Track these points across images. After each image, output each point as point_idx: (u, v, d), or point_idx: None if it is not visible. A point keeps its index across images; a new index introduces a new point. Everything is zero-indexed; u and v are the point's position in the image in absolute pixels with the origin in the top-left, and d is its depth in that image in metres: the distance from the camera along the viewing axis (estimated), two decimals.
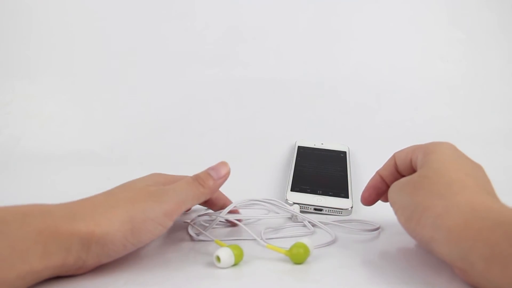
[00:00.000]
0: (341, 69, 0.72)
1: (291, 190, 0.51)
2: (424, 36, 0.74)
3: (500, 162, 0.60)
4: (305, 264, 0.36)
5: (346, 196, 0.51)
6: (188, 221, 0.43)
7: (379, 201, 0.44)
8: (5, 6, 0.70)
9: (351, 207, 0.49)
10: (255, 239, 0.39)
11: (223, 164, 0.38)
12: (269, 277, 0.34)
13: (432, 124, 0.69)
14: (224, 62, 0.72)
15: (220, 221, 0.44)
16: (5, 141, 0.65)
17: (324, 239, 0.41)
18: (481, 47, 0.73)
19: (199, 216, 0.44)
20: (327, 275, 0.35)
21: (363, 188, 0.44)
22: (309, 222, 0.44)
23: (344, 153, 0.61)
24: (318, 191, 0.51)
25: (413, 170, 0.38)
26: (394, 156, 0.41)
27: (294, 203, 0.48)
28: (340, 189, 0.52)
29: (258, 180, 0.57)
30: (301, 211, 0.47)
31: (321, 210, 0.49)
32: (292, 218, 0.46)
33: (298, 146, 0.62)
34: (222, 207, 0.44)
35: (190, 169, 0.39)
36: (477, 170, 0.36)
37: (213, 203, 0.44)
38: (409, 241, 0.39)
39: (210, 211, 0.45)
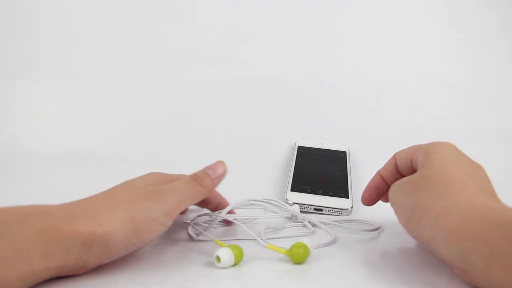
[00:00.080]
0: (341, 69, 0.72)
1: (291, 190, 0.51)
2: (424, 36, 0.74)
3: (500, 162, 0.60)
4: (305, 264, 0.36)
5: (346, 196, 0.51)
6: (188, 221, 0.43)
7: (379, 201, 0.44)
8: (5, 6, 0.70)
9: (351, 207, 0.49)
10: (255, 239, 0.39)
11: (220, 163, 0.38)
12: (269, 277, 0.34)
13: (432, 124, 0.69)
14: (224, 62, 0.72)
15: (220, 221, 0.44)
16: (5, 141, 0.65)
17: (324, 239, 0.41)
18: (481, 47, 0.73)
19: (199, 216, 0.44)
20: (327, 275, 0.35)
21: (363, 188, 0.44)
22: (309, 222, 0.44)
23: (344, 153, 0.61)
24: (318, 191, 0.51)
25: (413, 170, 0.38)
26: (394, 156, 0.41)
27: (294, 203, 0.48)
28: (340, 189, 0.52)
29: (258, 180, 0.57)
30: (301, 211, 0.47)
31: (321, 210, 0.49)
32: (292, 218, 0.46)
33: (298, 146, 0.62)
34: (218, 205, 0.44)
35: (190, 169, 0.39)
36: (477, 170, 0.36)
37: (209, 202, 0.44)
38: (409, 241, 0.39)
39: (208, 211, 0.45)
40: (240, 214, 0.46)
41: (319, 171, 0.56)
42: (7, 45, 0.71)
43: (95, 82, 0.71)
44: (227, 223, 0.44)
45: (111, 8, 0.71)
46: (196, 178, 0.37)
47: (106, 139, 0.66)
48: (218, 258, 0.35)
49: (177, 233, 0.42)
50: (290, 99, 0.71)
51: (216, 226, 0.44)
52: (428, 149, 0.37)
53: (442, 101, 0.72)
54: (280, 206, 0.46)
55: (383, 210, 0.43)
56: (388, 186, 0.41)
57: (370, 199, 0.43)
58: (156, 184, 0.36)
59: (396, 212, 0.37)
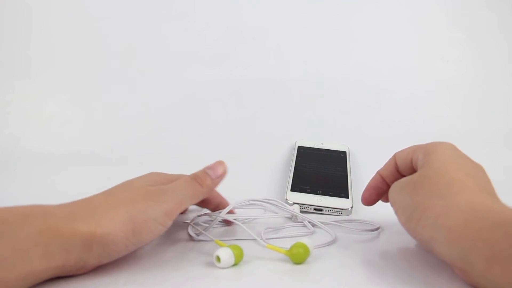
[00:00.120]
0: (341, 69, 0.72)
1: (291, 190, 0.51)
2: (424, 36, 0.74)
3: (500, 162, 0.60)
4: (305, 264, 0.36)
5: (346, 196, 0.51)
6: (188, 221, 0.43)
7: (379, 201, 0.44)
8: (5, 6, 0.70)
9: (351, 207, 0.49)
10: (255, 239, 0.39)
11: (220, 163, 0.38)
12: (269, 277, 0.34)
13: (432, 124, 0.69)
14: (224, 62, 0.72)
15: (220, 221, 0.44)
16: (5, 141, 0.65)
17: (324, 239, 0.41)
18: (481, 47, 0.73)
19: (199, 216, 0.44)
20: (327, 275, 0.35)
21: (363, 188, 0.44)
22: (309, 222, 0.44)
23: (344, 153, 0.61)
24: (318, 191, 0.51)
25: (413, 170, 0.38)
26: (394, 156, 0.41)
27: (294, 203, 0.48)
28: (340, 189, 0.52)
29: (258, 180, 0.57)
30: (301, 211, 0.47)
31: (321, 210, 0.49)
32: (292, 218, 0.46)
33: (298, 146, 0.62)
34: (218, 205, 0.44)
35: (190, 169, 0.39)
36: (478, 170, 0.36)
37: (209, 202, 0.44)
38: (409, 241, 0.39)
39: (208, 211, 0.45)
40: (240, 214, 0.46)
41: (319, 171, 0.56)
42: (7, 45, 0.71)
43: (95, 82, 0.71)
44: (227, 223, 0.44)
45: (111, 8, 0.71)
46: (196, 178, 0.37)
47: (106, 139, 0.66)
48: (218, 258, 0.35)
49: (177, 233, 0.42)
50: (290, 99, 0.71)
51: (216, 226, 0.44)
52: (428, 149, 0.37)
53: (442, 101, 0.72)
54: (280, 206, 0.46)
55: (383, 210, 0.43)
56: (388, 186, 0.41)
57: (370, 199, 0.43)
58: (156, 184, 0.36)
59: (396, 212, 0.37)
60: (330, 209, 0.48)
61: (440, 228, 0.32)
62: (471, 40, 0.73)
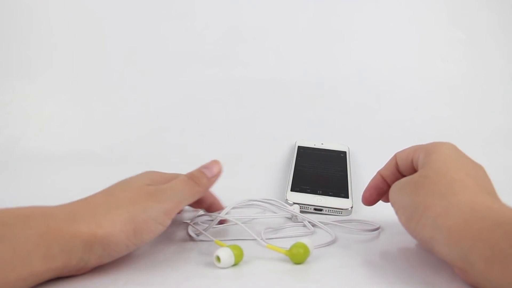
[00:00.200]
0: (341, 69, 0.72)
1: (291, 190, 0.51)
2: (424, 36, 0.74)
3: (500, 162, 0.60)
4: (305, 264, 0.36)
5: (346, 196, 0.51)
6: (188, 221, 0.43)
7: (379, 201, 0.44)
8: (5, 6, 0.70)
9: (351, 207, 0.49)
10: (255, 239, 0.39)
11: (215, 162, 0.39)
12: (269, 277, 0.34)
13: (432, 124, 0.69)
14: (224, 62, 0.72)
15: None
16: (5, 141, 0.65)
17: (324, 239, 0.41)
18: (481, 47, 0.73)
19: (199, 216, 0.44)
20: (327, 275, 0.35)
21: (363, 188, 0.44)
22: (309, 222, 0.44)
23: (344, 153, 0.61)
24: (318, 191, 0.51)
25: (414, 170, 0.38)
26: (395, 156, 0.41)
27: (294, 203, 0.48)
28: (340, 189, 0.52)
29: (258, 180, 0.57)
30: (301, 211, 0.47)
31: (321, 210, 0.49)
32: (292, 218, 0.46)
33: (298, 146, 0.62)
34: (210, 205, 0.44)
35: (190, 169, 0.39)
36: (478, 170, 0.36)
37: (202, 202, 0.44)
38: (409, 241, 0.39)
39: (202, 211, 0.45)
40: (240, 214, 0.46)
41: (319, 171, 0.56)
42: (7, 45, 0.70)
43: (95, 82, 0.71)
44: (221, 222, 0.44)
45: (111, 8, 0.71)
46: (192, 177, 0.37)
47: (106, 139, 0.66)
48: (218, 258, 0.35)
49: (177, 233, 0.42)
50: (290, 99, 0.71)
51: (216, 226, 0.44)
52: (428, 149, 0.37)
53: (442, 101, 0.72)
54: (280, 206, 0.46)
55: (383, 210, 0.43)
56: (389, 186, 0.41)
57: (370, 199, 0.43)
58: (153, 183, 0.37)
59: (397, 212, 0.37)
60: (330, 209, 0.48)
61: (440, 228, 0.32)
62: (471, 40, 0.73)
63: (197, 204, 0.44)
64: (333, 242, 0.41)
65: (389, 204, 0.39)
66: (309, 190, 0.51)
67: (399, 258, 0.38)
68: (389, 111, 0.70)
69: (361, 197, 0.44)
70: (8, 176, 0.59)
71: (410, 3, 0.73)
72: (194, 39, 0.72)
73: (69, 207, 0.33)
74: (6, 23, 0.70)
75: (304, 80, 0.72)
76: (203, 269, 0.35)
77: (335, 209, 0.48)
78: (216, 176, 0.38)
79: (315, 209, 0.49)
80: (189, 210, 0.47)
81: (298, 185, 0.52)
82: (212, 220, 0.43)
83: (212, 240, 0.39)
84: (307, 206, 0.49)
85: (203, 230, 0.41)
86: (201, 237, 0.41)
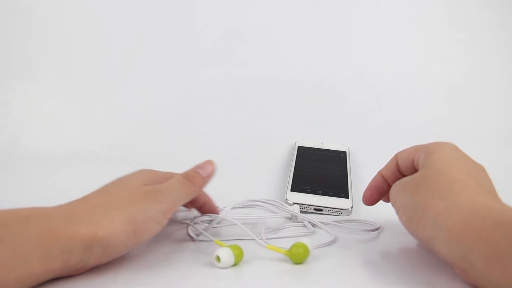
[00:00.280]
0: (341, 69, 0.72)
1: (291, 190, 0.51)
2: (424, 36, 0.74)
3: (500, 162, 0.60)
4: (305, 264, 0.36)
5: (346, 196, 0.50)
6: (188, 221, 0.43)
7: (380, 201, 0.44)
8: (5, 6, 0.70)
9: (351, 207, 0.49)
10: (255, 239, 0.39)
11: (209, 162, 0.39)
12: (269, 277, 0.34)
13: (432, 124, 0.69)
14: (224, 62, 0.72)
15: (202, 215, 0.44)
16: (5, 141, 0.65)
17: (324, 239, 0.41)
18: (481, 47, 0.73)
19: (199, 216, 0.44)
20: (327, 275, 0.35)
21: (363, 188, 0.44)
22: (309, 222, 0.44)
23: (344, 153, 0.61)
24: (318, 191, 0.51)
25: (414, 170, 0.38)
26: (396, 156, 0.41)
27: (294, 203, 0.48)
28: (340, 189, 0.52)
29: (258, 180, 0.57)
30: (301, 211, 0.47)
31: (321, 210, 0.49)
32: (292, 218, 0.46)
33: (298, 146, 0.62)
34: (204, 204, 0.44)
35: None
36: (479, 170, 0.36)
37: (195, 201, 0.43)
38: (409, 241, 0.39)
39: (197, 211, 0.45)
40: (240, 214, 0.46)
41: (319, 171, 0.56)
42: (7, 45, 0.70)
43: (95, 82, 0.71)
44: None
45: (111, 8, 0.71)
46: (188, 177, 0.37)
47: (106, 139, 0.66)
48: (218, 258, 0.35)
49: (177, 233, 0.42)
50: (290, 99, 0.71)
51: (216, 226, 0.44)
52: (429, 149, 0.37)
53: (442, 101, 0.72)
54: (280, 206, 0.46)
55: (383, 210, 0.43)
56: (389, 186, 0.41)
57: (371, 199, 0.43)
58: (149, 182, 0.37)
59: (397, 212, 0.37)
60: (330, 209, 0.48)
61: (440, 227, 0.32)
62: (471, 40, 0.73)
63: (190, 203, 0.44)
64: (333, 242, 0.41)
65: (389, 204, 0.39)
66: (309, 190, 0.51)
67: (399, 258, 0.38)
68: (389, 111, 0.70)
69: (361, 197, 0.44)
70: (8, 176, 0.59)
71: (410, 3, 0.73)
72: (194, 39, 0.72)
73: (67, 208, 0.33)
74: (6, 23, 0.70)
75: (304, 80, 0.72)
76: (203, 269, 0.35)
77: (335, 209, 0.48)
78: (210, 175, 0.39)
79: (315, 209, 0.49)
80: (182, 210, 0.47)
81: (298, 185, 0.52)
82: (212, 220, 0.43)
83: (212, 240, 0.39)
84: (307, 206, 0.49)
85: (203, 230, 0.41)
86: (201, 237, 0.41)
